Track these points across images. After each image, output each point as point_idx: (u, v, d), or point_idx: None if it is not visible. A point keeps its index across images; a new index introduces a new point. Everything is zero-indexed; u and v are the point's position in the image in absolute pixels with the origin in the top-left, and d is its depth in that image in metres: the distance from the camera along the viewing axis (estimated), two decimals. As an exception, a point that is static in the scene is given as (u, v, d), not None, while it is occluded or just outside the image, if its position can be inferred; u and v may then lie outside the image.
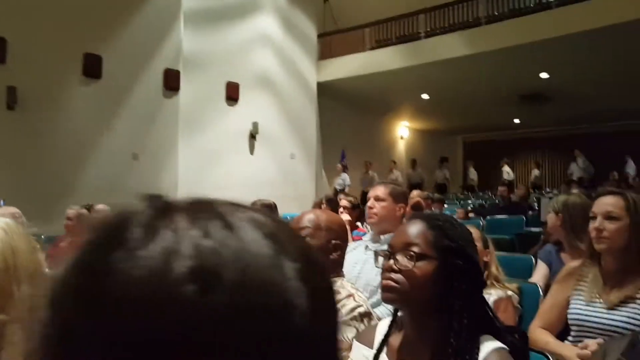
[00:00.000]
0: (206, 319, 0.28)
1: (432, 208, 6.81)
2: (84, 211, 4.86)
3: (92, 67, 8.73)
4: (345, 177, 12.24)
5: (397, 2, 12.95)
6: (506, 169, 15.19)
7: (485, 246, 2.37)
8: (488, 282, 2.26)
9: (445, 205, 8.20)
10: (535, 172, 15.49)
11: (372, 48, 12.21)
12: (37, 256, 1.01)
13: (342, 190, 10.81)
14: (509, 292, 2.30)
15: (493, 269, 2.35)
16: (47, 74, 8.22)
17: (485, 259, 2.30)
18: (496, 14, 10.69)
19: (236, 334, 0.28)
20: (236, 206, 0.34)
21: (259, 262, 0.31)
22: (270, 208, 3.79)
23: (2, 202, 4.88)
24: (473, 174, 15.72)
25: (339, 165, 12.44)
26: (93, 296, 0.29)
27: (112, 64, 8.88)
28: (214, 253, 0.30)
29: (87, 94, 8.67)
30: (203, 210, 0.33)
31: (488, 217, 6.83)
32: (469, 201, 11.29)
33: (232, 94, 10.88)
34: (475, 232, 2.03)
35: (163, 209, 0.32)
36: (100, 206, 5.66)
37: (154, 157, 9.25)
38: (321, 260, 0.36)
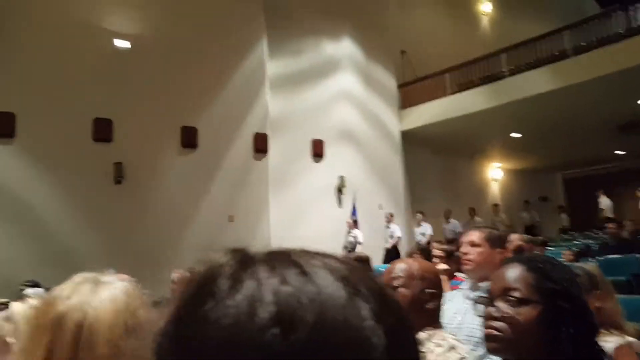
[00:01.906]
0: (288, 359, 0.30)
1: (535, 252, 6.41)
2: (188, 273, 5.06)
3: (189, 138, 9.39)
4: (356, 233, 10.63)
5: (475, 45, 12.87)
6: (604, 199, 13.97)
7: (597, 287, 2.17)
8: (602, 329, 2.05)
9: (548, 248, 7.68)
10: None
11: (454, 92, 12.10)
12: (150, 313, 1.06)
13: (353, 250, 9.82)
14: (629, 339, 2.07)
15: (612, 313, 2.13)
16: (148, 148, 8.94)
17: (596, 304, 2.09)
18: (583, 44, 10.25)
19: None
20: (310, 254, 0.37)
21: (335, 304, 0.32)
22: (363, 262, 3.76)
23: (112, 270, 5.25)
24: (564, 219, 14.57)
25: (349, 221, 10.90)
26: (189, 344, 0.32)
27: (206, 133, 9.50)
28: (292, 298, 0.32)
29: (184, 163, 9.28)
30: (280, 259, 0.35)
31: (597, 258, 6.30)
32: (576, 242, 10.51)
33: (318, 150, 11.17)
34: (596, 272, 1.87)
35: (245, 261, 0.35)
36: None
37: (247, 216, 9.60)
38: (396, 300, 0.37)
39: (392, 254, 10.47)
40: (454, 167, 14.07)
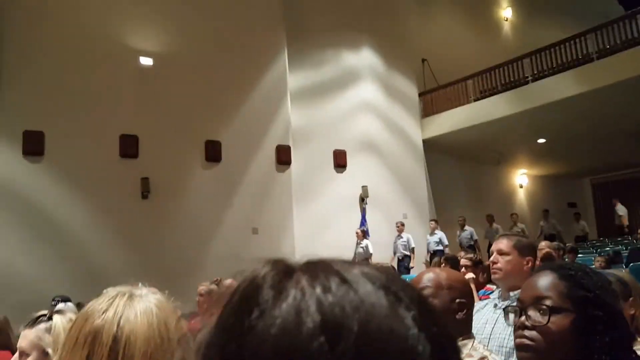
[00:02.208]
0: None
1: (565, 259, 6.27)
2: (214, 287, 5.10)
3: (213, 152, 9.51)
4: (366, 244, 10.24)
5: (497, 51, 12.76)
6: (620, 207, 13.46)
7: (630, 294, 2.12)
8: (638, 338, 1.99)
9: (580, 255, 7.52)
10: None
11: (477, 99, 12.01)
12: (182, 324, 1.08)
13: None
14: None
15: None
16: (173, 162, 9.07)
17: (630, 311, 2.04)
18: (607, 47, 10.08)
19: None
20: (349, 263, 0.37)
21: (378, 312, 0.32)
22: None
23: (140, 284, 5.31)
24: (622, 211, 14.00)
25: (358, 232, 10.50)
26: (237, 354, 0.32)
27: (229, 147, 9.60)
28: (336, 307, 0.32)
29: (209, 177, 9.39)
30: (320, 269, 0.35)
31: (631, 265, 6.14)
32: (607, 248, 10.27)
33: (340, 161, 11.18)
34: (629, 279, 1.83)
35: (286, 271, 0.36)
36: (228, 281, 5.93)
37: (271, 228, 9.63)
38: (437, 309, 0.36)
39: (402, 265, 10.32)
40: (478, 175, 13.90)
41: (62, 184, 8.34)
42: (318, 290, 0.33)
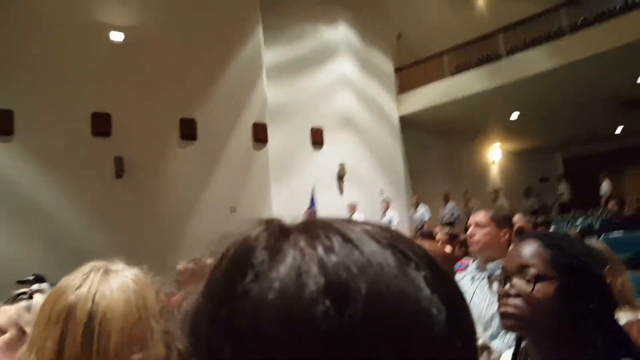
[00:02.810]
0: (344, 334, 0.27)
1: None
2: (192, 265, 5.08)
3: (188, 130, 9.35)
4: None
5: (472, 25, 12.77)
6: (606, 183, 13.74)
7: (605, 263, 2.17)
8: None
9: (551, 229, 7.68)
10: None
11: (453, 74, 12.04)
12: (161, 298, 1.06)
13: None
14: (641, 315, 2.07)
15: (622, 290, 2.13)
16: (148, 141, 8.91)
17: (608, 280, 2.09)
18: (581, 20, 10.18)
19: (376, 346, 0.27)
20: (349, 221, 0.34)
21: (387, 273, 0.29)
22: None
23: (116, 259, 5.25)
24: (563, 189, 14.45)
25: (307, 213, 9.42)
26: (230, 322, 0.29)
27: (205, 125, 9.46)
28: (341, 268, 0.29)
29: (184, 156, 9.26)
30: (320, 227, 0.32)
31: (603, 235, 6.30)
32: (577, 222, 10.52)
33: (317, 138, 11.13)
34: (604, 249, 1.86)
35: (281, 231, 0.33)
36: (207, 260, 5.92)
37: (249, 206, 9.59)
38: (446, 267, 0.34)
39: None
40: (454, 151, 14.04)
41: (33, 163, 8.12)
42: (319, 250, 0.30)
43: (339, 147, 11.32)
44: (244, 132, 9.98)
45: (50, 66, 8.27)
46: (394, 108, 12.69)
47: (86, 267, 1.04)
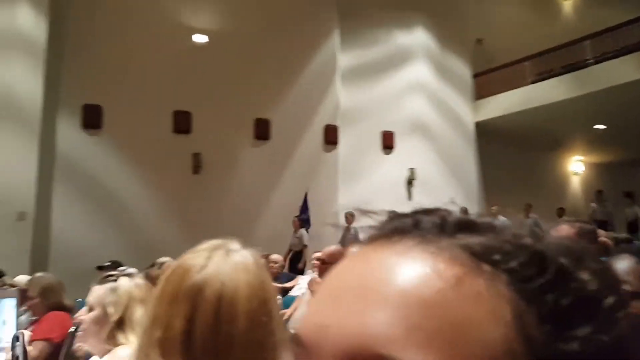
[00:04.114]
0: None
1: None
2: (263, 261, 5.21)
3: (262, 130, 9.64)
4: (302, 233, 8.85)
5: (556, 32, 12.23)
6: None
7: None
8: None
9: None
10: None
11: (534, 81, 11.57)
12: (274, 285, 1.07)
13: (299, 252, 8.56)
14: None
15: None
16: (224, 139, 9.27)
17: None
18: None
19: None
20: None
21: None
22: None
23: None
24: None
25: (295, 220, 9.02)
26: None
27: (278, 125, 9.70)
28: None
29: (257, 155, 9.54)
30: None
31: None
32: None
33: (388, 142, 11.08)
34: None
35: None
36: (274, 256, 6.07)
37: (316, 207, 9.69)
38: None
39: None
40: (531, 161, 13.45)
41: (117, 157, 8.70)
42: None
43: (409, 152, 11.20)
44: (315, 134, 10.13)
45: (137, 65, 8.81)
46: (468, 114, 12.38)
47: (205, 246, 1.05)
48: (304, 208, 9.45)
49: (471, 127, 12.35)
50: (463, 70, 12.48)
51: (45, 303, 3.34)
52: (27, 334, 2.94)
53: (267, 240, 8.44)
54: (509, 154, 12.98)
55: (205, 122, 9.20)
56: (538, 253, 0.30)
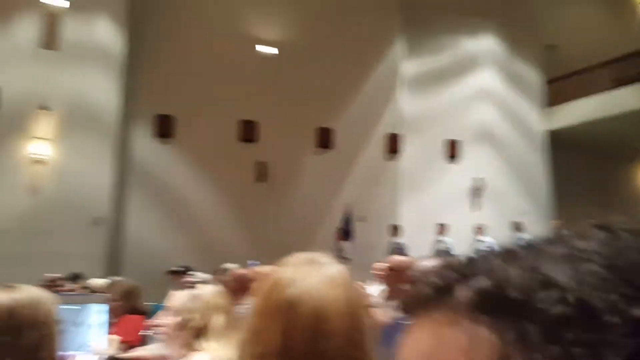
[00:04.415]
0: None
1: None
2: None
3: (325, 139, 9.71)
4: (343, 245, 8.69)
5: (634, 36, 11.56)
6: None
7: None
8: None
9: None
10: None
11: (610, 88, 10.98)
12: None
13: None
14: None
15: None
16: (288, 148, 9.41)
17: None
18: None
19: None
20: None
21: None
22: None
23: (257, 262, 5.57)
24: None
25: (336, 232, 8.93)
26: None
27: (341, 134, 9.73)
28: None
29: (319, 163, 9.62)
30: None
31: None
32: None
33: (452, 151, 10.83)
34: None
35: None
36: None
37: (379, 217, 9.63)
38: None
39: None
40: (607, 172, 12.73)
41: (187, 165, 9.03)
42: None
43: (475, 162, 10.88)
44: (378, 143, 10.08)
45: (206, 76, 9.13)
46: (540, 122, 11.90)
47: (297, 259, 1.03)
48: (347, 221, 9.21)
49: (541, 135, 11.87)
50: (533, 77, 12.04)
51: (125, 306, 3.47)
52: (115, 338, 3.01)
53: (328, 248, 8.45)
54: (584, 163, 12.35)
55: (270, 131, 9.39)
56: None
